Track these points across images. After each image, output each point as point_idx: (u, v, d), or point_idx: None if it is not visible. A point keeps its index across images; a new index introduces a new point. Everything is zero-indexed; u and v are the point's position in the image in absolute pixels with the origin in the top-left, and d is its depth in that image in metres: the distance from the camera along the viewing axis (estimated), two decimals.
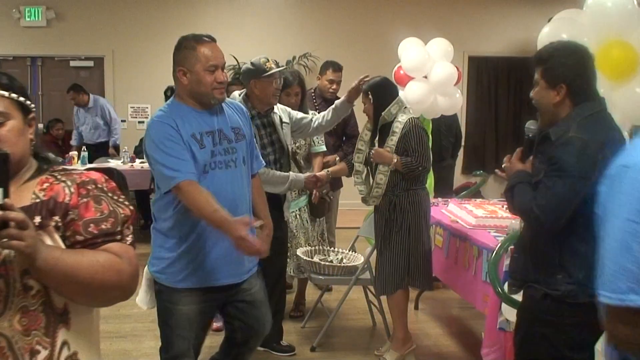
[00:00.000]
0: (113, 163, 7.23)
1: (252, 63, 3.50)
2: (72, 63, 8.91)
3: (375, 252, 3.80)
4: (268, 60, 3.57)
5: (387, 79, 3.81)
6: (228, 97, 5.26)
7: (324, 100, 4.78)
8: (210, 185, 2.48)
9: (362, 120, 3.70)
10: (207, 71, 2.45)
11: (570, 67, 2.13)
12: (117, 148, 8.06)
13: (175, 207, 2.50)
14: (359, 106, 3.74)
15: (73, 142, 8.10)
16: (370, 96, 3.61)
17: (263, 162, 2.90)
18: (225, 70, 2.55)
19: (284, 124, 3.58)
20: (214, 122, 2.54)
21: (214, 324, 3.75)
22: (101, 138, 8.05)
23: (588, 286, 2.03)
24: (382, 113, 3.57)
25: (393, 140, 3.55)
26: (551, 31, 2.83)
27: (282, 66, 3.64)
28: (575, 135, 2.03)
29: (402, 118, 3.56)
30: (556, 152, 2.06)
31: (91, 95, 7.96)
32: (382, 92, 3.61)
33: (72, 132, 8.24)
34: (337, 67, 4.88)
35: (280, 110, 3.61)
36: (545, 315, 2.10)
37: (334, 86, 4.84)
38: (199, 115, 2.51)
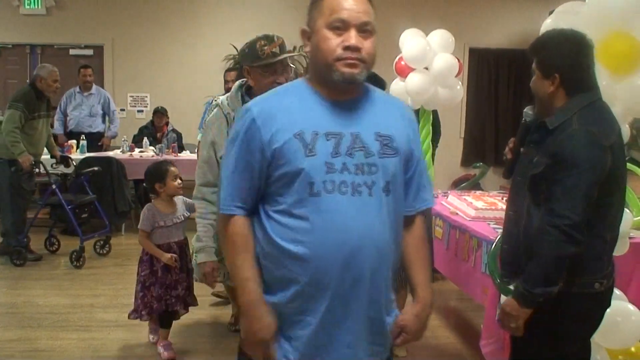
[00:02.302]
0: (112, 152, 7.22)
1: (247, 43, 2.69)
2: (72, 51, 8.86)
3: None
4: (272, 42, 2.63)
5: (374, 75, 2.75)
6: (228, 86, 5.15)
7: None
8: (317, 218, 1.55)
9: None
10: (331, 29, 1.58)
11: (564, 56, 2.11)
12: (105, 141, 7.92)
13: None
14: None
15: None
16: None
17: (431, 200, 1.84)
18: (362, 34, 1.58)
19: None
20: (349, 119, 1.63)
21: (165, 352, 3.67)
22: (95, 128, 7.65)
23: (576, 275, 2.05)
24: None
25: None
26: (553, 23, 2.80)
27: (291, 51, 2.78)
28: (580, 128, 2.01)
29: None
30: (562, 146, 2.02)
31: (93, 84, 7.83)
32: None
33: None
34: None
35: None
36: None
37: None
38: (324, 106, 1.63)
